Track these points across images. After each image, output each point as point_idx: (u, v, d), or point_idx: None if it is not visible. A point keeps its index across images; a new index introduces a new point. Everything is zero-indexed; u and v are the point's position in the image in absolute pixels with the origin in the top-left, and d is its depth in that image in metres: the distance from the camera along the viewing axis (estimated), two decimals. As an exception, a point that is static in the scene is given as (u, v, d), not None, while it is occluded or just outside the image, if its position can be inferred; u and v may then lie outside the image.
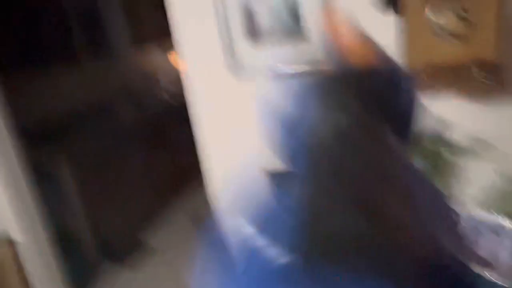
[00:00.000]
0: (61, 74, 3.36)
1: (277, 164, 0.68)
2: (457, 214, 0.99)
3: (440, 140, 1.32)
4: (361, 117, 0.62)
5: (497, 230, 1.14)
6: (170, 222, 3.50)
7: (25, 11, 2.90)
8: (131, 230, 3.24)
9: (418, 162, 1.27)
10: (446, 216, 0.70)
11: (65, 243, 2.70)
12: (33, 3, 2.97)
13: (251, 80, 1.51)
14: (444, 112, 1.32)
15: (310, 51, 1.35)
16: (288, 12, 1.32)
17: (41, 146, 2.76)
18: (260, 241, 0.61)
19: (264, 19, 1.37)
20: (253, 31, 1.41)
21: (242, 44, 1.45)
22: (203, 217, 0.76)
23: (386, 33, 1.24)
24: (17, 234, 2.18)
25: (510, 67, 1.21)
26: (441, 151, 1.32)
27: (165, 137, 3.71)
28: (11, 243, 2.18)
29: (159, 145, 3.62)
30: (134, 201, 3.27)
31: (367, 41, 0.71)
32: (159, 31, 4.10)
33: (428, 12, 1.13)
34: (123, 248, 3.12)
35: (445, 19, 1.12)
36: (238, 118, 1.60)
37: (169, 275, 2.77)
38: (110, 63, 3.92)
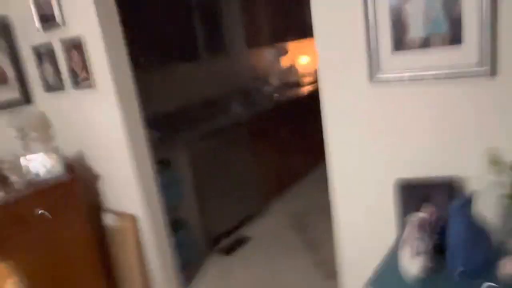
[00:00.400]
0: (182, 69, 3.64)
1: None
2: None
3: None
4: None
5: None
6: (268, 216, 3.57)
7: (157, 16, 3.17)
8: (235, 223, 3.36)
9: None
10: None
11: (176, 226, 2.90)
12: (163, 6, 3.23)
13: (393, 88, 1.46)
14: None
15: (464, 56, 1.28)
16: (449, 21, 1.29)
17: (162, 137, 3.00)
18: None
19: (417, 29, 1.35)
20: (402, 40, 1.39)
21: (388, 53, 1.43)
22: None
23: None
24: (139, 212, 2.40)
25: None
26: None
27: (273, 134, 3.79)
28: (133, 218, 2.41)
29: (266, 142, 3.71)
30: (241, 194, 3.39)
31: None
32: (272, 36, 4.26)
33: None
34: (227, 238, 3.26)
35: None
36: (373, 125, 1.55)
37: (265, 263, 2.82)
38: (227, 61, 4.14)
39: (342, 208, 1.76)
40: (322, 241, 3.04)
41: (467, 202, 1.21)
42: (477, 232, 1.24)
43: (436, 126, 1.42)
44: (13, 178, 2.21)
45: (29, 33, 2.51)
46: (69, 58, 2.34)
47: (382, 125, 1.53)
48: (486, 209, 1.35)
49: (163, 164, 2.86)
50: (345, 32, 1.51)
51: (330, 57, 1.59)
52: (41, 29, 2.40)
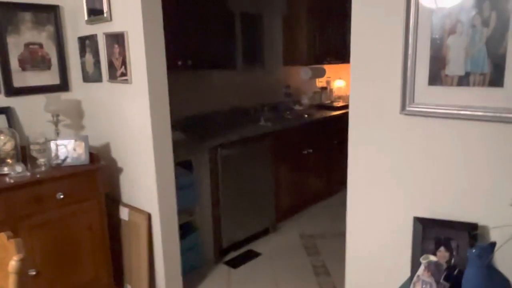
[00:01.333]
0: (217, 76, 3.70)
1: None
2: None
3: None
4: None
5: None
6: (281, 234, 3.53)
7: (198, 21, 3.23)
8: (246, 236, 3.35)
9: None
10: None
11: (188, 230, 2.92)
12: (206, 12, 3.30)
13: (424, 123, 1.43)
14: None
15: (503, 101, 1.24)
16: (491, 62, 1.26)
17: (187, 139, 3.04)
18: None
19: (456, 65, 1.33)
20: (439, 75, 1.37)
21: (424, 86, 1.41)
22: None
23: None
24: (154, 210, 2.43)
25: None
26: None
27: (297, 153, 3.78)
28: (148, 216, 2.44)
29: (289, 159, 3.69)
30: (256, 208, 3.38)
31: None
32: (310, 56, 4.28)
33: None
34: (236, 250, 3.24)
35: None
36: (398, 158, 1.52)
37: (270, 281, 2.78)
38: (262, 74, 4.19)
39: (356, 237, 1.72)
40: (332, 267, 2.97)
41: (487, 251, 1.16)
42: (493, 283, 1.18)
43: (464, 168, 1.37)
44: (41, 160, 2.29)
45: (77, 24, 2.62)
46: (110, 52, 2.42)
47: (408, 159, 1.50)
48: (507, 263, 1.29)
49: (183, 166, 2.89)
50: (382, 59, 1.50)
51: (364, 83, 1.57)
52: (88, 22, 2.50)
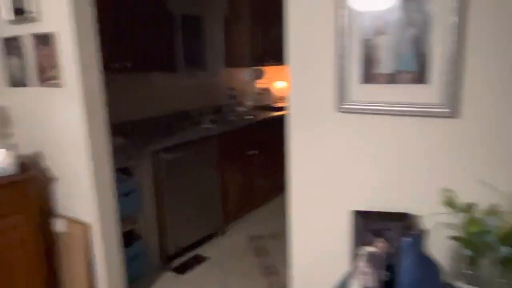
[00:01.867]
0: (157, 79, 3.61)
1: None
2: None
3: None
4: None
5: None
6: (228, 237, 3.51)
7: (135, 22, 3.14)
8: (193, 240, 3.28)
9: None
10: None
11: (131, 238, 2.80)
12: (143, 12, 3.22)
13: (357, 120, 1.49)
14: None
15: (428, 96, 1.33)
16: (417, 60, 1.33)
17: (127, 144, 2.93)
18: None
19: (386, 64, 1.39)
20: (370, 73, 1.43)
21: (356, 84, 1.47)
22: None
23: None
24: (92, 220, 2.30)
25: None
26: None
27: (241, 155, 3.77)
28: (85, 226, 2.32)
29: (234, 162, 3.68)
30: (202, 212, 3.33)
31: None
32: (251, 58, 4.31)
33: None
34: (183, 256, 3.17)
35: None
36: (334, 154, 1.57)
37: (219, 284, 2.75)
38: (204, 77, 4.15)
39: (297, 235, 1.74)
40: (281, 266, 3.00)
41: (418, 239, 1.22)
42: (426, 270, 1.24)
43: (395, 161, 1.44)
44: (-39, 171, 2.09)
45: (0, 25, 2.43)
46: (39, 54, 2.27)
47: (344, 154, 1.55)
48: (436, 249, 1.37)
49: (125, 172, 2.78)
50: (317, 60, 1.54)
51: (300, 82, 1.61)
52: (14, 22, 2.33)
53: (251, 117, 4.09)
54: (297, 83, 1.62)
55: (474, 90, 1.26)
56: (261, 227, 3.71)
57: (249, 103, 4.62)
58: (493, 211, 1.26)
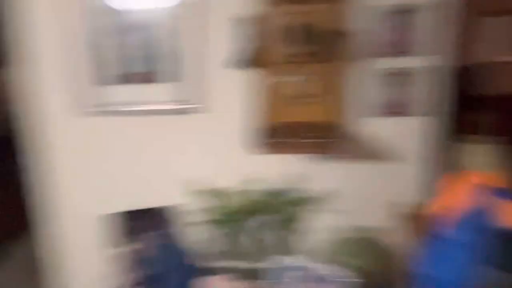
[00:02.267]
0: None
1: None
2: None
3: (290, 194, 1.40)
4: None
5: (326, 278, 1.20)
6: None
7: None
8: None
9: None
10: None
11: None
12: None
13: (98, 123, 1.44)
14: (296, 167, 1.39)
15: (159, 92, 1.37)
16: (143, 59, 1.34)
17: None
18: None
19: (116, 65, 1.36)
20: (102, 75, 1.38)
21: (88, 86, 1.39)
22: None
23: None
24: None
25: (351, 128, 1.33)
26: (289, 205, 1.40)
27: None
28: None
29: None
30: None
31: None
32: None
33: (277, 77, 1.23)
34: None
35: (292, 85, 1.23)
36: (78, 159, 1.49)
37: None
38: None
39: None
40: None
41: (167, 232, 1.25)
42: (171, 255, 1.28)
43: (139, 159, 1.45)
44: None
45: None
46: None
47: (92, 159, 1.48)
48: (195, 235, 1.43)
49: None
50: (49, 60, 1.39)
51: (37, 86, 1.42)
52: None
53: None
54: (34, 86, 1.43)
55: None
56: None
57: None
58: (221, 192, 1.39)
